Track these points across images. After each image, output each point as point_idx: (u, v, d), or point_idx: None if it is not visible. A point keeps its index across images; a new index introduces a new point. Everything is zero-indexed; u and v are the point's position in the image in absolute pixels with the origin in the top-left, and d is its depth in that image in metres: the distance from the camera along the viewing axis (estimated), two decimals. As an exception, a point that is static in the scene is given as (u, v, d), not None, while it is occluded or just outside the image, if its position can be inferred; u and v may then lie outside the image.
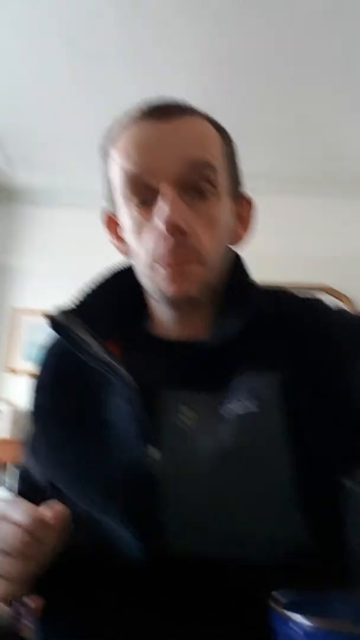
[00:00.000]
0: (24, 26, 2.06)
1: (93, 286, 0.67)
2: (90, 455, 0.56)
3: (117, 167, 0.58)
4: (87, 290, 0.66)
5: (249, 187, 0.67)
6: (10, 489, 0.70)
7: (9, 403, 2.67)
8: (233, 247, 0.65)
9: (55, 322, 0.62)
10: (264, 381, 0.53)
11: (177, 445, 0.52)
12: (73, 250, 2.87)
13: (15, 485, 0.68)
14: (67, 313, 0.62)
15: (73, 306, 0.64)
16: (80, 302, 0.65)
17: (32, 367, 2.73)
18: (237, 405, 0.52)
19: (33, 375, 0.68)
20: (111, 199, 0.63)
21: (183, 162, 0.55)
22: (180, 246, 0.55)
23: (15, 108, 2.54)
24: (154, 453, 0.51)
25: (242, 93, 2.37)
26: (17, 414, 2.63)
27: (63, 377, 0.63)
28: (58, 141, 2.76)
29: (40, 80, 2.35)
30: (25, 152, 2.87)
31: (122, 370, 0.56)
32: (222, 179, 0.59)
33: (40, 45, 2.16)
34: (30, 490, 0.64)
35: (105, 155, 0.62)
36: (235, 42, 2.10)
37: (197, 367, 0.56)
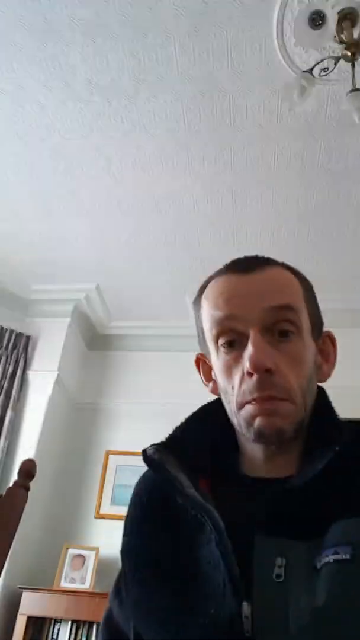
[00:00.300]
0: (127, 206, 2.50)
1: (185, 423, 0.69)
2: (178, 604, 0.53)
3: (207, 315, 0.65)
4: (180, 427, 0.68)
5: (328, 324, 0.71)
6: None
7: (95, 551, 2.58)
8: (318, 383, 0.67)
9: (149, 457, 0.64)
10: (358, 525, 0.49)
11: (270, 600, 0.48)
12: (161, 391, 2.98)
13: (100, 636, 0.64)
14: (160, 449, 0.64)
15: (166, 442, 0.66)
16: (173, 438, 0.67)
17: (120, 511, 2.68)
18: (331, 555, 0.48)
19: (124, 516, 0.68)
20: (202, 343, 0.69)
21: (265, 308, 0.60)
22: (266, 382, 0.57)
23: (115, 268, 2.93)
24: (246, 608, 0.48)
25: (314, 241, 2.59)
26: (103, 563, 2.52)
27: (153, 516, 0.62)
28: (148, 294, 3.08)
29: (134, 244, 2.74)
30: (121, 304, 3.22)
31: (213, 511, 0.54)
32: (303, 320, 0.63)
33: (137, 219, 2.56)
34: (114, 638, 0.60)
35: (197, 306, 0.70)
36: (303, 200, 2.38)
37: (290, 511, 0.53)
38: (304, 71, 1.68)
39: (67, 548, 2.61)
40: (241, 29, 1.73)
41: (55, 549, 2.63)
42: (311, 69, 1.68)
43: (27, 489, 1.03)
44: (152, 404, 2.92)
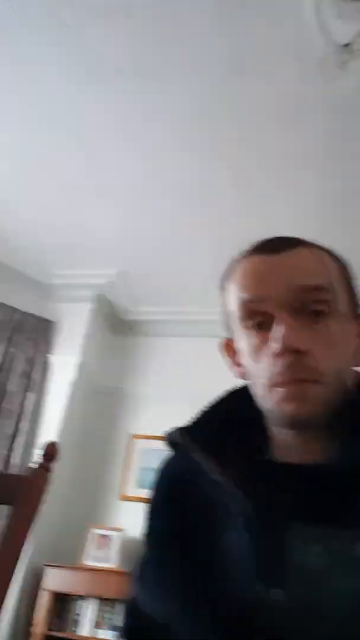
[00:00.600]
0: (150, 190, 2.47)
1: (210, 407, 0.67)
2: (202, 589, 0.52)
3: (234, 297, 0.62)
4: (205, 410, 0.67)
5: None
6: (119, 627, 0.66)
7: (120, 532, 2.61)
8: (356, 366, 0.64)
9: (172, 441, 0.63)
10: None
11: (305, 587, 0.47)
12: (185, 376, 2.98)
13: (123, 621, 0.65)
14: (184, 433, 0.63)
15: (190, 426, 0.65)
16: (198, 422, 0.65)
17: (145, 493, 2.71)
18: None
19: (147, 499, 0.68)
20: (229, 327, 0.67)
21: (295, 288, 0.57)
22: (296, 364, 0.55)
23: (138, 253, 2.92)
24: (277, 594, 0.47)
25: (352, 224, 2.48)
26: (127, 544, 2.56)
27: (177, 500, 0.62)
28: (171, 280, 3.06)
29: (156, 229, 2.72)
30: (143, 290, 3.21)
31: (240, 495, 0.53)
32: (338, 300, 0.60)
33: (160, 203, 2.53)
34: (138, 624, 0.60)
35: (223, 289, 0.67)
36: (342, 179, 2.27)
37: (325, 497, 0.52)
38: (342, 45, 1.57)
39: (91, 528, 2.66)
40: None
41: (79, 530, 2.68)
42: (348, 44, 1.57)
43: (50, 470, 1.04)
44: (176, 389, 2.92)
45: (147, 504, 0.66)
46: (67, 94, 2.05)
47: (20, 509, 0.98)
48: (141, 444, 2.91)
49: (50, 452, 1.05)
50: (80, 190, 2.53)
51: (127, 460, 2.92)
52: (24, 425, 2.72)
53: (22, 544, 0.96)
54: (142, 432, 2.94)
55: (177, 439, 0.62)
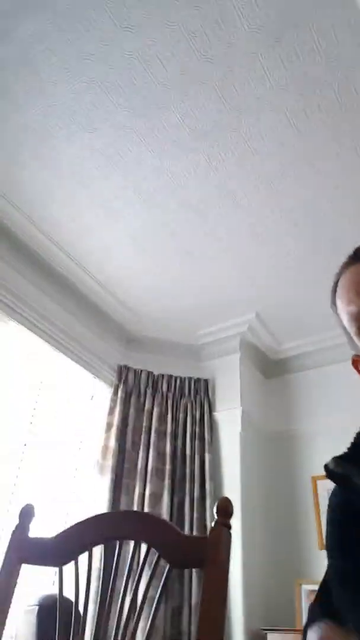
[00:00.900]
0: (263, 230, 2.51)
1: None
2: None
3: (344, 314, 0.62)
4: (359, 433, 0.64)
5: None
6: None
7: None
8: None
9: (332, 472, 0.60)
10: None
11: None
12: (352, 402, 2.77)
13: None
14: (343, 462, 0.60)
15: (347, 452, 0.63)
16: (354, 446, 0.63)
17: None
18: None
19: (327, 537, 0.64)
20: (351, 344, 0.65)
21: None
22: None
23: (268, 292, 2.92)
24: None
25: None
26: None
27: (353, 532, 0.58)
28: (308, 308, 2.97)
29: (281, 264, 2.71)
30: (284, 326, 3.16)
31: None
32: None
33: (276, 237, 2.54)
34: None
35: (334, 308, 0.67)
36: None
37: None
38: None
39: (300, 584, 2.52)
40: (323, 16, 1.66)
41: (287, 586, 2.56)
42: None
43: (228, 526, 1.03)
44: (347, 417, 2.73)
45: (325, 542, 0.63)
46: (163, 171, 2.24)
47: (210, 571, 0.98)
48: (325, 484, 2.74)
49: (224, 507, 1.06)
50: (198, 252, 2.67)
51: (316, 505, 2.76)
52: (209, 486, 2.76)
53: (222, 607, 0.96)
54: (322, 472, 2.77)
55: (336, 469, 0.60)
